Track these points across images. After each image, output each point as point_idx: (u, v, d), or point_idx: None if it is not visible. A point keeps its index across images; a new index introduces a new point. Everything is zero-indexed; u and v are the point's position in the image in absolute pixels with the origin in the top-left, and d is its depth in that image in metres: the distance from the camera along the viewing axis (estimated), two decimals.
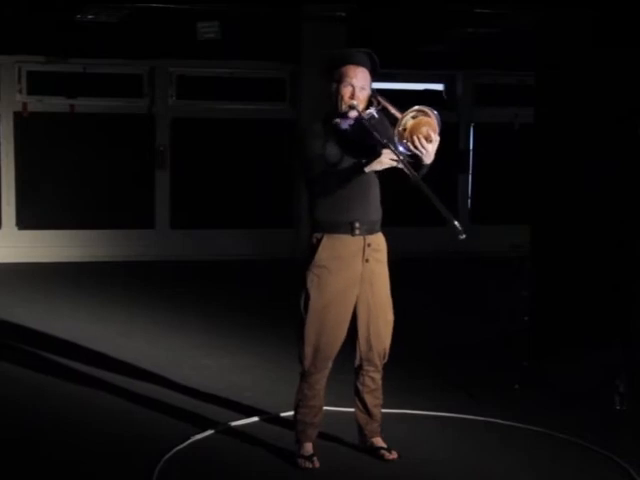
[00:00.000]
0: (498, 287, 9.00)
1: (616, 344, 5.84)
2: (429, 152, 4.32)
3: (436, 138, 4.31)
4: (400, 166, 4.27)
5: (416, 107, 4.31)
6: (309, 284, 4.55)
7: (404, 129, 4.29)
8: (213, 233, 11.42)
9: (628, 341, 5.85)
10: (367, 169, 4.37)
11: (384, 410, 4.84)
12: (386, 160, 4.30)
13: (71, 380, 6.05)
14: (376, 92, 4.61)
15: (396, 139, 4.31)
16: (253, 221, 11.46)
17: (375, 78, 4.58)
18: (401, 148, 4.31)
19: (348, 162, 4.46)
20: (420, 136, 4.27)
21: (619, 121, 6.03)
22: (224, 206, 11.44)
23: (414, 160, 4.35)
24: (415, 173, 4.25)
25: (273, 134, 11.33)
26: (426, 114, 4.31)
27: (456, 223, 4.12)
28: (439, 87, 12.26)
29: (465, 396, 5.77)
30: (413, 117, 4.30)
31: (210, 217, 11.46)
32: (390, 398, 4.97)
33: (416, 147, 4.29)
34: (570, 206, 6.36)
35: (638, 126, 5.89)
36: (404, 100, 4.63)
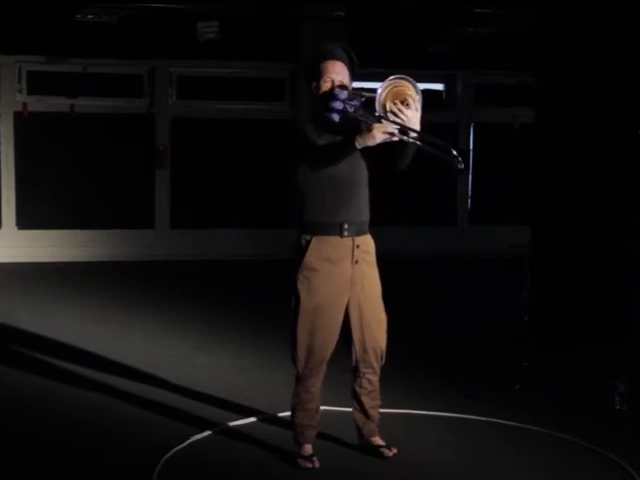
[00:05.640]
0: (498, 287, 8.99)
1: (616, 344, 5.85)
2: (409, 118, 4.27)
3: (416, 106, 4.28)
4: (395, 138, 4.24)
5: (390, 77, 4.31)
6: (299, 286, 4.52)
7: (383, 100, 4.28)
8: (213, 233, 11.40)
9: (628, 341, 5.85)
10: (359, 145, 4.28)
11: (384, 410, 4.85)
12: (379, 135, 4.23)
13: (70, 380, 6.04)
14: (360, 89, 4.58)
15: (377, 114, 4.30)
16: (253, 221, 11.45)
17: (354, 77, 4.54)
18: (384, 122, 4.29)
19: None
20: (397, 101, 4.26)
21: (619, 121, 6.04)
22: (224, 206, 11.44)
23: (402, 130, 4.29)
24: (415, 129, 4.18)
25: (273, 134, 11.31)
26: (402, 84, 4.30)
27: (455, 152, 4.12)
28: (439, 87, 12.26)
29: (465, 396, 5.77)
30: (391, 87, 4.29)
31: (210, 217, 11.45)
32: (390, 398, 4.97)
33: (395, 114, 4.26)
34: (570, 206, 6.37)
35: (638, 126, 5.90)
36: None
